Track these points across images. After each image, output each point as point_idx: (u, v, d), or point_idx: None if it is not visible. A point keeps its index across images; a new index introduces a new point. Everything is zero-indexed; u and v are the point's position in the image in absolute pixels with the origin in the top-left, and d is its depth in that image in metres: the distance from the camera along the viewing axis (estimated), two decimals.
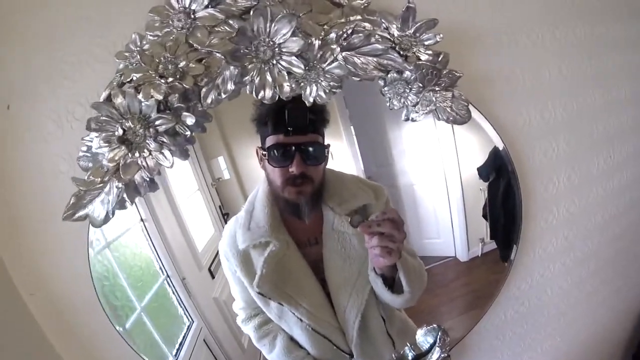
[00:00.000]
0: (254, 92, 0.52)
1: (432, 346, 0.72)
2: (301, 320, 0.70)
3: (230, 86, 0.51)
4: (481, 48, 0.69)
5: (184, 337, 0.76)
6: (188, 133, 0.52)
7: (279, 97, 0.53)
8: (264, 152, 0.63)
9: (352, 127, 0.72)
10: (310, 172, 0.64)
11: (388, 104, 0.58)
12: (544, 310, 0.93)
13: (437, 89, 0.56)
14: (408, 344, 0.73)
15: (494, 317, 0.87)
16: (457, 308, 0.82)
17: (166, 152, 0.51)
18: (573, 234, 0.88)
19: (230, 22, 0.50)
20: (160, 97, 0.48)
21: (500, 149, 0.72)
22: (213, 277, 0.74)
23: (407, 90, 0.56)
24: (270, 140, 0.62)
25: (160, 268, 0.72)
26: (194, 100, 0.52)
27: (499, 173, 0.74)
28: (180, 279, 0.74)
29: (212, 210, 0.75)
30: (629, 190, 0.98)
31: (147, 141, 0.50)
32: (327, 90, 0.53)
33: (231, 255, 0.69)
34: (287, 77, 0.51)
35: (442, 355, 0.72)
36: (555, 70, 0.76)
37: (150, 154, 0.51)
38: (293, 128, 0.60)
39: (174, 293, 0.74)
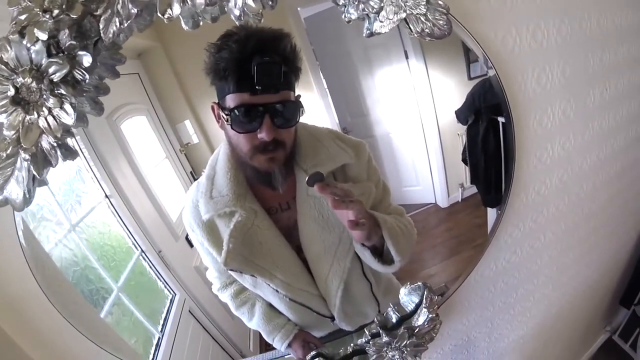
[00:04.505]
0: (158, 12, 0.43)
1: (417, 306, 0.65)
2: (277, 291, 0.65)
3: (133, 9, 0.41)
4: None
5: (167, 311, 0.74)
6: (86, 77, 0.43)
7: (200, 18, 0.43)
8: (226, 114, 0.52)
9: (323, 80, 0.65)
10: (282, 135, 0.53)
11: (343, 15, 0.47)
12: (536, 258, 0.89)
13: None
14: (391, 305, 0.67)
15: (483, 268, 0.83)
16: (439, 254, 0.81)
17: (67, 106, 0.43)
18: (567, 176, 0.81)
19: None
20: (44, 37, 0.40)
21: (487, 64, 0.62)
22: (191, 245, 0.70)
23: None
24: (232, 100, 0.51)
25: (134, 244, 0.69)
26: (93, 36, 0.43)
27: (477, 115, 0.70)
28: (156, 252, 0.71)
29: (184, 177, 0.70)
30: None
31: (44, 97, 0.43)
32: None
33: (196, 226, 0.63)
34: None
35: (430, 316, 0.63)
36: None
37: (49, 112, 0.43)
38: (262, 87, 0.49)
39: (151, 268, 0.71)
